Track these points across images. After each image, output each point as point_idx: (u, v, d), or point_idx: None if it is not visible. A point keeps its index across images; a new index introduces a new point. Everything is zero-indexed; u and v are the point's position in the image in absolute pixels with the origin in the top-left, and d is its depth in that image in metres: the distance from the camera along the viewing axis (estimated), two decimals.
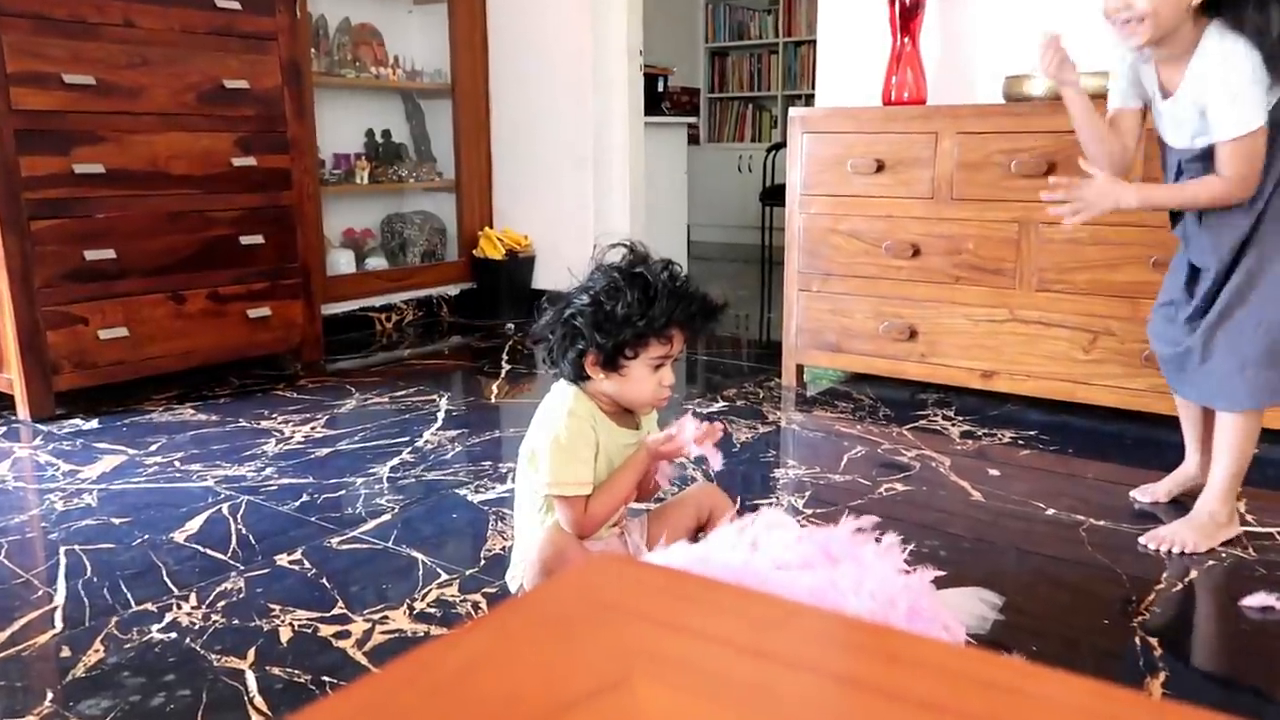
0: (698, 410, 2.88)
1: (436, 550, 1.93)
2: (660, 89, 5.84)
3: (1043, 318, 2.68)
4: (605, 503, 1.59)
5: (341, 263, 4.08)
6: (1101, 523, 2.05)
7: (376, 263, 4.26)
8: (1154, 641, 1.57)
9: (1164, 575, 1.81)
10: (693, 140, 7.08)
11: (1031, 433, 2.66)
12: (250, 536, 1.99)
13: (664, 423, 1.64)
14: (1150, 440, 2.61)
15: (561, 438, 1.56)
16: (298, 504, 2.17)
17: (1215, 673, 1.53)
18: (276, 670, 1.49)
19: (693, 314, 1.56)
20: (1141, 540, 1.93)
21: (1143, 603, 1.71)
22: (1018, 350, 2.74)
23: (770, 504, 1.45)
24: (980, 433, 2.67)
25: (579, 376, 1.60)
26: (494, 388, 3.22)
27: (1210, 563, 1.86)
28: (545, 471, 1.56)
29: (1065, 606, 1.72)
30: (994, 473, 2.37)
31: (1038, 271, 2.67)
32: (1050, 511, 2.12)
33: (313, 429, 2.72)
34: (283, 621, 1.64)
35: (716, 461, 1.58)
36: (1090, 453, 2.51)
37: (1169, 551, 1.89)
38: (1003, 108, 2.73)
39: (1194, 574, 1.81)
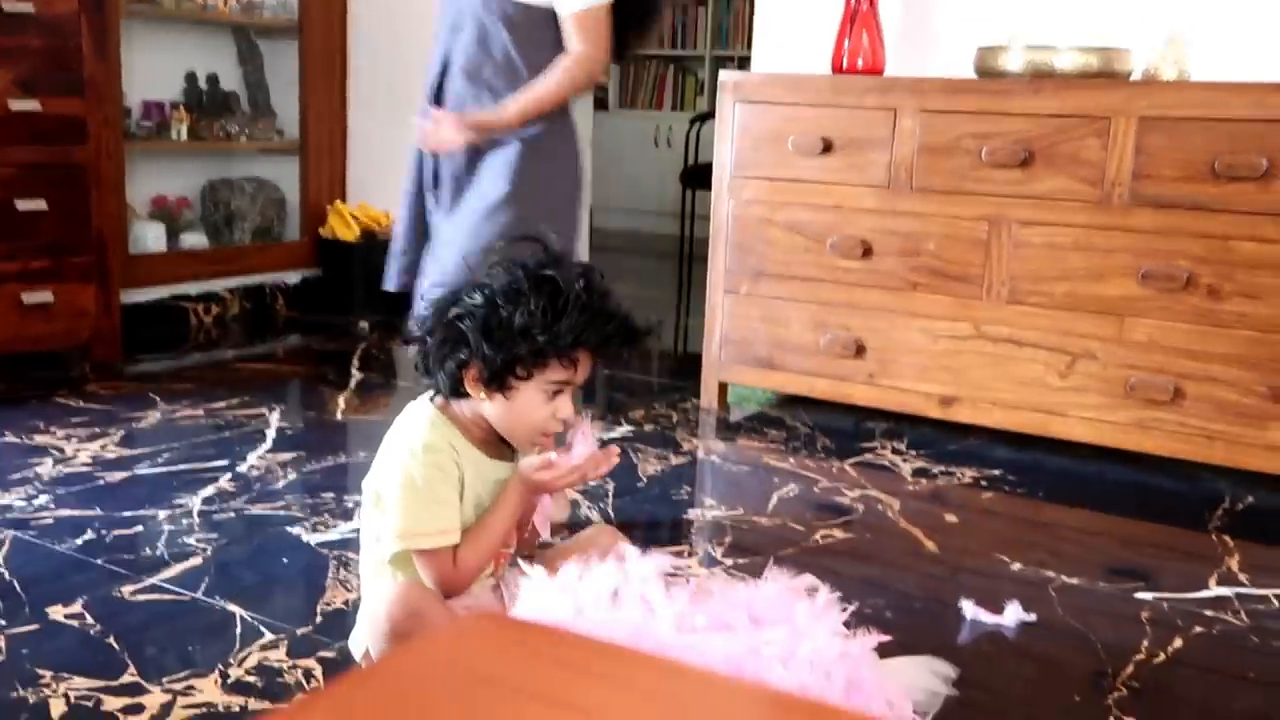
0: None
1: (260, 603, 1.88)
2: None
3: (1013, 335, 2.77)
4: (477, 550, 1.57)
5: (149, 239, 3.97)
6: (1075, 580, 2.12)
7: (195, 240, 4.16)
8: None
9: (1144, 644, 1.87)
10: (600, 105, 7.10)
11: (996, 472, 2.74)
12: (15, 583, 1.92)
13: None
14: (1135, 484, 2.70)
15: (415, 477, 1.53)
16: (80, 542, 2.10)
17: None
18: None
19: (608, 336, 1.56)
20: None
21: (1119, 676, 1.76)
22: (983, 373, 2.81)
23: (679, 555, 1.45)
24: (936, 471, 2.73)
25: (455, 392, 1.58)
26: (340, 401, 3.17)
27: (1197, 629, 1.93)
28: (396, 519, 1.54)
29: (1030, 680, 1.77)
30: (951, 519, 2.42)
31: (1009, 280, 2.75)
32: (1016, 566, 2.17)
33: (103, 447, 2.64)
34: (55, 692, 1.58)
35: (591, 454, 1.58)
36: (1064, 497, 2.59)
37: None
38: (975, 83, 2.81)
39: (1178, 643, 1.88)
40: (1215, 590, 2.10)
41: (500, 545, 1.61)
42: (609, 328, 1.55)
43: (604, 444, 1.61)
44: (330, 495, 2.39)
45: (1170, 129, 2.53)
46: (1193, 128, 2.50)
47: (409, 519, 1.53)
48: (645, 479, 2.59)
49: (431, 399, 1.62)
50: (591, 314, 1.53)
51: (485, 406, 1.58)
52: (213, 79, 4.29)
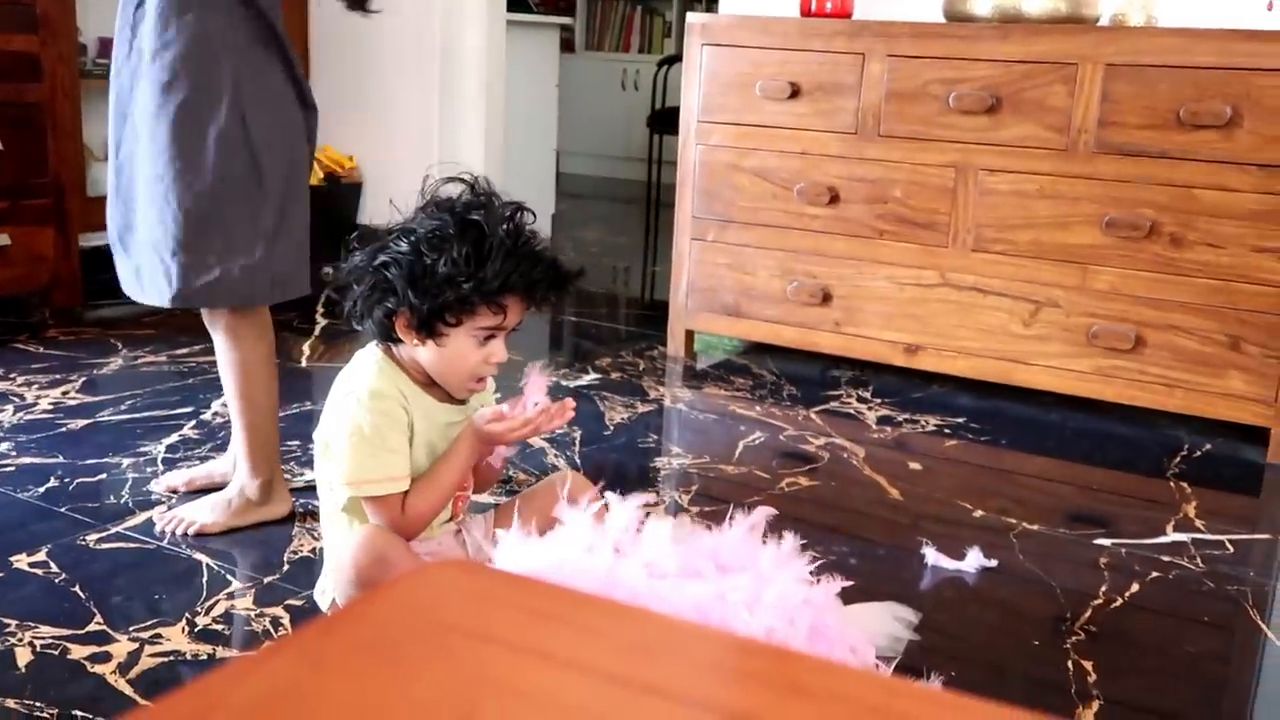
0: (561, 383, 2.88)
1: (226, 552, 1.89)
2: None
3: (979, 283, 2.79)
4: (427, 499, 1.58)
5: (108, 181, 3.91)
6: (1036, 527, 2.16)
7: None
8: (1088, 666, 1.67)
9: (1102, 589, 1.91)
10: (566, 47, 7.02)
11: (960, 420, 2.77)
12: None
13: (509, 390, 1.64)
14: (1095, 431, 2.74)
15: (363, 425, 1.54)
16: (42, 491, 2.09)
17: (1154, 706, 1.63)
18: (11, 703, 1.43)
19: (534, 281, 1.55)
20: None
21: (1078, 621, 1.80)
22: (948, 321, 2.84)
23: (645, 503, 1.47)
24: (901, 419, 2.76)
25: (388, 338, 1.59)
26: (305, 348, 3.16)
27: (1154, 574, 1.98)
28: (345, 467, 1.54)
29: (991, 625, 1.81)
30: (915, 466, 2.45)
31: (975, 228, 2.76)
32: (978, 513, 2.21)
33: (65, 394, 2.62)
34: (20, 640, 1.58)
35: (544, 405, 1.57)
36: (1026, 445, 2.63)
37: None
38: (943, 27, 2.81)
39: (1135, 588, 1.93)
40: (1172, 536, 2.15)
41: (450, 494, 1.62)
42: (535, 272, 1.55)
43: (557, 397, 1.62)
44: (295, 443, 2.38)
45: (1136, 76, 2.54)
46: (1159, 75, 2.52)
47: (357, 467, 1.54)
48: (612, 427, 2.61)
49: (376, 344, 1.63)
50: (518, 259, 1.52)
51: (420, 352, 1.58)
52: None
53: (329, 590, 1.65)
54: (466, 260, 1.50)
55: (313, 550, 1.90)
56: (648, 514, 1.45)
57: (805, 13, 3.11)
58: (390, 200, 1.64)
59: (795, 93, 2.93)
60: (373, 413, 1.54)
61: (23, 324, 3.19)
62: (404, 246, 1.53)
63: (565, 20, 6.38)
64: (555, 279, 1.59)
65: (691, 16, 3.09)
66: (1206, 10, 2.84)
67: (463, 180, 1.60)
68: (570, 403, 1.61)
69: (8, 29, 3.08)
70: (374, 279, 1.55)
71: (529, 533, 1.45)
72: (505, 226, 1.53)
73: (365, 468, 1.54)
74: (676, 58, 4.95)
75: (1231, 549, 2.11)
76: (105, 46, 3.97)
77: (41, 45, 3.17)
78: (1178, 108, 2.50)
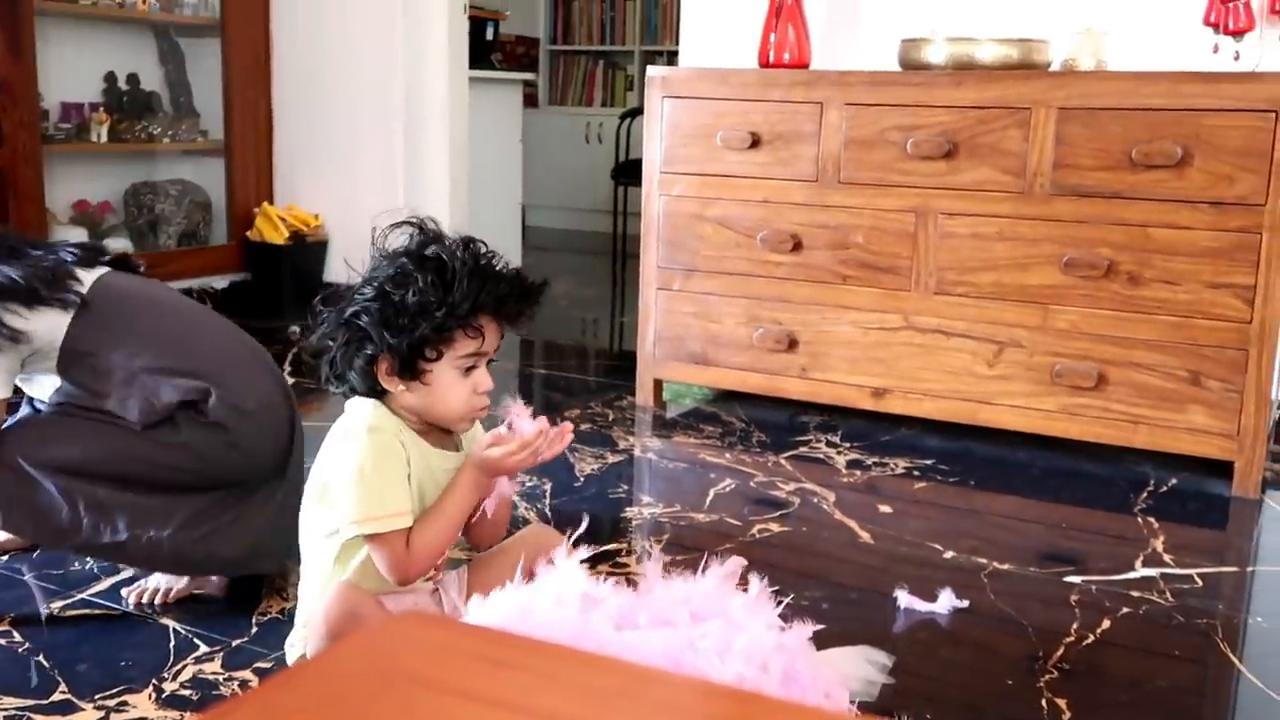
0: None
1: (195, 616, 1.87)
2: (489, 36, 5.82)
3: (942, 325, 2.81)
4: (432, 533, 1.57)
5: None
6: (1006, 566, 2.17)
7: (119, 245, 4.08)
8: (1062, 704, 1.67)
9: (1074, 626, 1.92)
10: (530, 102, 7.08)
11: (928, 462, 2.78)
12: None
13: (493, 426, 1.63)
14: (1063, 469, 2.77)
15: (364, 462, 1.53)
16: (5, 559, 2.06)
17: None
18: None
19: (503, 296, 1.57)
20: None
21: (1050, 659, 1.81)
22: (913, 364, 2.86)
23: (618, 553, 1.47)
24: (870, 462, 2.78)
25: (373, 390, 1.59)
26: None
27: (1124, 610, 1.99)
28: (347, 507, 1.53)
29: (964, 666, 1.81)
30: (885, 509, 2.46)
31: (936, 271, 2.80)
32: (949, 554, 2.22)
33: None
34: None
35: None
36: (995, 485, 2.65)
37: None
38: (899, 75, 2.86)
39: (1107, 624, 1.94)
40: (1141, 571, 2.16)
41: (456, 530, 1.61)
42: (501, 288, 1.57)
43: (555, 422, 1.62)
44: None
45: (1088, 119, 2.59)
46: (1110, 117, 2.57)
47: (360, 504, 1.53)
48: (582, 478, 2.60)
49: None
50: (483, 278, 1.55)
51: (408, 398, 1.58)
52: (133, 79, 4.22)
53: (298, 645, 1.64)
54: (433, 287, 1.51)
55: (281, 611, 1.88)
56: (608, 571, 1.45)
57: (764, 64, 3.16)
58: (345, 260, 1.65)
59: (755, 142, 2.96)
60: (373, 448, 1.54)
61: None
62: (369, 293, 1.55)
63: (528, 76, 6.45)
64: (523, 291, 1.60)
65: (652, 70, 3.13)
66: (1155, 54, 2.91)
67: (409, 223, 1.61)
68: (569, 426, 1.62)
69: None
70: (347, 332, 1.56)
71: (501, 586, 1.45)
72: (462, 251, 1.55)
73: (369, 505, 1.53)
74: (639, 110, 5.00)
75: (1200, 582, 2.12)
76: (67, 111, 3.98)
77: (2, 111, 3.17)
78: (1130, 149, 2.55)
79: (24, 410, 1.92)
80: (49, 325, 1.78)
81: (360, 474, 1.53)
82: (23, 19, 3.37)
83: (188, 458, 1.82)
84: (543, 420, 1.59)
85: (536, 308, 1.64)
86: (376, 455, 1.54)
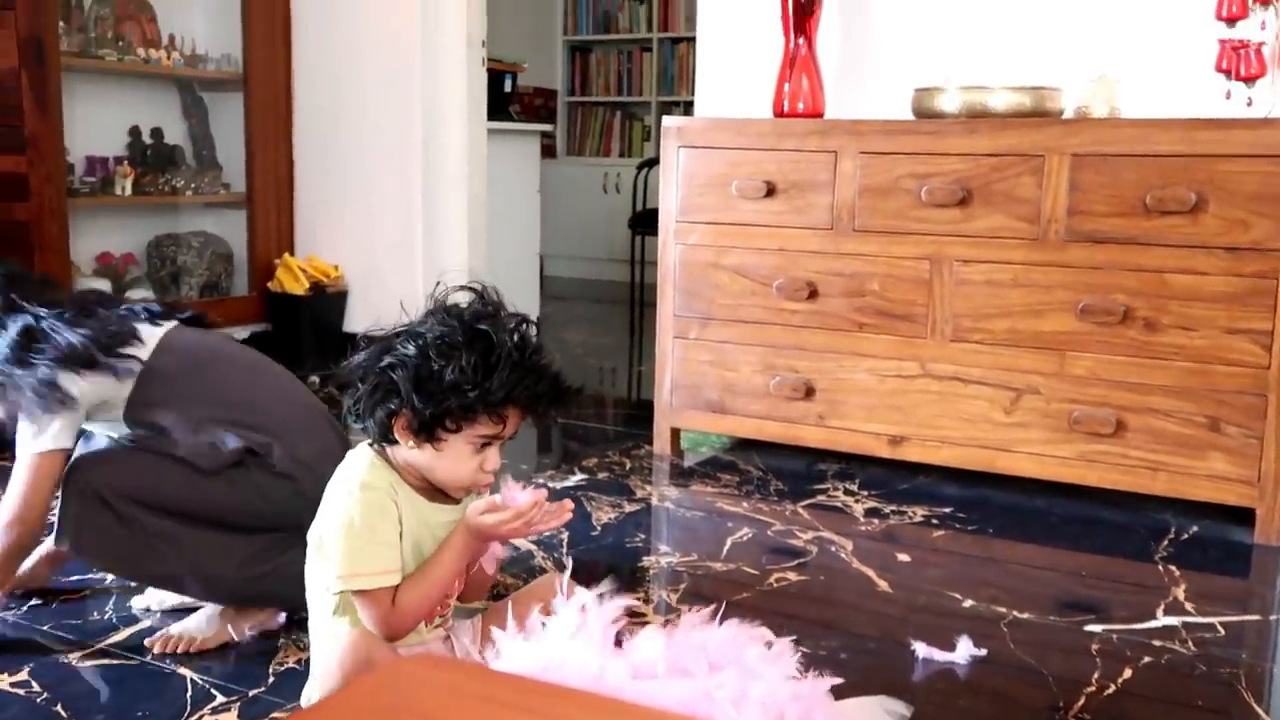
0: (547, 484, 2.89)
1: (211, 666, 1.87)
2: (508, 89, 5.89)
3: (958, 373, 2.81)
4: (418, 594, 1.58)
5: None
6: (1026, 615, 2.15)
7: (141, 297, 4.13)
8: None
9: (1094, 676, 1.90)
10: (548, 153, 7.14)
11: (947, 510, 2.77)
12: None
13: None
14: (1082, 517, 2.75)
15: (354, 518, 1.55)
16: (25, 610, 2.07)
17: None
18: None
19: (537, 395, 1.59)
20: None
21: (1071, 709, 1.79)
22: (930, 411, 2.86)
23: (627, 604, 1.47)
24: (888, 510, 2.76)
25: (385, 438, 1.60)
26: None
27: (1146, 659, 1.97)
28: (336, 562, 1.54)
29: (983, 716, 1.79)
30: (904, 558, 2.45)
31: (952, 318, 2.80)
32: (968, 603, 2.21)
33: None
34: None
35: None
36: (1014, 533, 2.63)
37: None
38: (912, 124, 2.88)
39: (1128, 674, 1.92)
40: (1163, 620, 2.15)
41: (442, 591, 1.62)
42: (539, 386, 1.58)
43: (556, 497, 1.63)
44: None
45: (1102, 165, 2.60)
46: (1124, 164, 2.58)
47: (348, 560, 1.54)
48: (599, 527, 2.60)
49: (370, 444, 1.64)
50: (523, 372, 1.55)
51: (415, 455, 1.59)
52: (157, 133, 4.28)
53: (314, 696, 1.64)
54: (474, 369, 1.52)
55: (299, 661, 1.89)
56: (628, 614, 1.45)
57: (778, 113, 3.19)
58: (400, 302, 1.67)
59: (771, 191, 2.99)
60: (363, 504, 1.55)
61: (5, 443, 3.18)
62: (411, 350, 1.55)
63: (546, 127, 6.51)
64: (557, 394, 1.62)
65: (667, 120, 3.17)
66: (1168, 100, 2.92)
67: (472, 289, 1.63)
68: (569, 504, 1.62)
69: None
70: (378, 379, 1.57)
71: (520, 634, 1.45)
72: (513, 338, 1.56)
73: (356, 561, 1.54)
74: (656, 160, 5.04)
75: (1223, 631, 2.10)
76: (92, 165, 4.04)
77: (29, 165, 3.22)
78: (1144, 195, 2.56)
79: (102, 441, 1.99)
80: (101, 391, 1.87)
81: (349, 530, 1.55)
82: (50, 76, 3.43)
83: (255, 499, 1.91)
84: (540, 491, 1.59)
85: (566, 409, 1.66)
86: (365, 512, 1.55)
